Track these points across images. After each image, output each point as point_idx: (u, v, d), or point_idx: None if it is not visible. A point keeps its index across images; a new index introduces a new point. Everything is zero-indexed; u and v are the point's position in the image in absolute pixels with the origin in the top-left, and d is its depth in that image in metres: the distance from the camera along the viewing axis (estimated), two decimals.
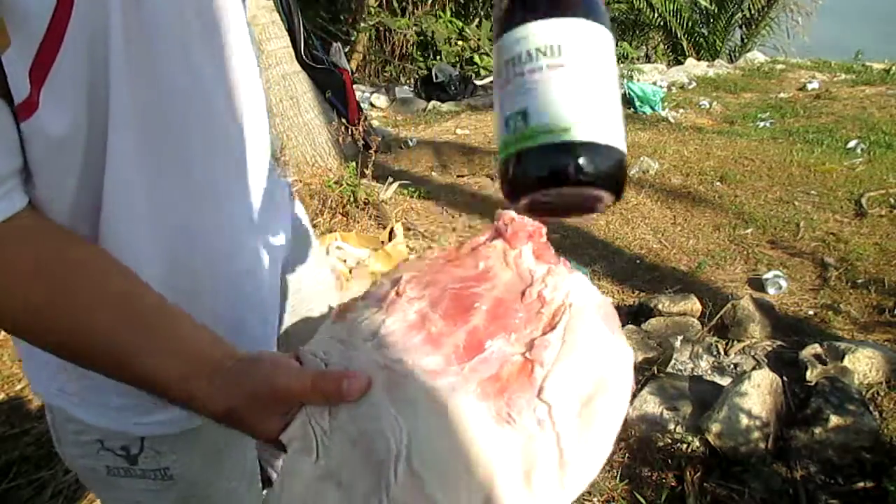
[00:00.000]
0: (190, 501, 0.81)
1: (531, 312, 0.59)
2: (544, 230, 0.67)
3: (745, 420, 1.71)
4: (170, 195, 0.63)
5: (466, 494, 0.49)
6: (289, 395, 0.54)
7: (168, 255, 0.64)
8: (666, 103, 6.04)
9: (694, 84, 6.92)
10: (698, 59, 8.37)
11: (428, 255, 0.68)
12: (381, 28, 8.26)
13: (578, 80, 0.43)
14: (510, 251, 0.65)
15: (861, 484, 1.58)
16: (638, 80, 6.43)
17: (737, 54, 9.19)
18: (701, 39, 9.21)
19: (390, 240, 2.55)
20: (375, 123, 5.44)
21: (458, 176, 4.22)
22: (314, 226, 1.82)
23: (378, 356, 0.55)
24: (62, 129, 0.54)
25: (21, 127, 0.53)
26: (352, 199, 3.37)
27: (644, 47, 10.05)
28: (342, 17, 8.40)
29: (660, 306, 2.42)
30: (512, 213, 0.66)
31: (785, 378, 1.88)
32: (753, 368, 1.96)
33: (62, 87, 0.53)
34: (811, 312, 2.60)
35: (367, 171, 3.60)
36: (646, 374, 2.00)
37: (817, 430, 1.69)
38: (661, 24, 9.16)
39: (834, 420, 1.69)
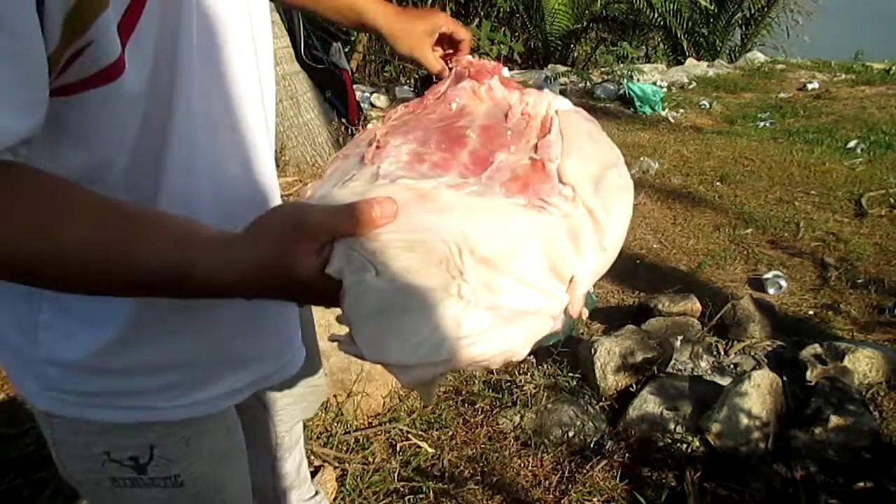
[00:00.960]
0: None
1: (519, 128, 0.63)
2: (503, 68, 0.72)
3: (745, 420, 1.71)
4: (224, 152, 0.67)
5: (529, 263, 0.53)
6: (321, 230, 0.52)
7: (222, 209, 0.66)
8: (666, 103, 6.04)
9: (694, 84, 6.93)
10: (698, 59, 8.37)
11: (390, 115, 0.69)
12: None
13: None
14: (479, 87, 0.69)
15: (861, 484, 1.58)
16: (638, 80, 6.43)
17: (737, 54, 9.19)
18: (701, 39, 9.20)
19: None
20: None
21: None
22: None
23: (393, 187, 0.56)
24: (138, 86, 0.55)
25: (102, 90, 0.53)
26: None
27: (644, 47, 10.05)
28: None
29: (660, 306, 2.42)
30: (468, 58, 0.72)
31: (785, 378, 1.88)
32: (753, 368, 1.96)
33: (141, 46, 0.54)
34: (811, 312, 2.60)
35: None
36: (646, 374, 2.00)
37: (817, 430, 1.69)
38: (661, 24, 9.15)
39: (834, 420, 1.69)
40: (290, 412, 1.09)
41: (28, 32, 0.44)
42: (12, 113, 0.46)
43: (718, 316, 2.29)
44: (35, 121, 0.48)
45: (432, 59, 0.92)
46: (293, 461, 1.21)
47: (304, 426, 1.26)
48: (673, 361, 2.09)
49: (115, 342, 0.68)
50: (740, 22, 9.40)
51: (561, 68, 7.41)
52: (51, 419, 0.75)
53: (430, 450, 1.85)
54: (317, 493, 1.33)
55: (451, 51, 0.94)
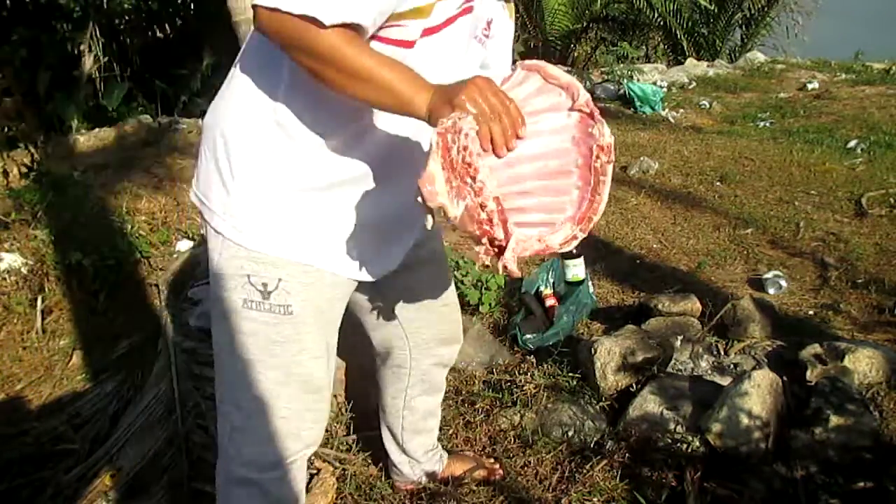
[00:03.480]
0: (291, 340, 1.12)
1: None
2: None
3: (745, 420, 1.71)
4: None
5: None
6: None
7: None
8: (666, 103, 6.04)
9: (694, 84, 6.92)
10: (698, 59, 8.36)
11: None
12: None
13: None
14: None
15: (861, 484, 1.58)
16: (638, 80, 6.42)
17: (737, 54, 9.18)
18: (701, 39, 9.20)
19: None
20: None
21: None
22: None
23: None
24: (411, 61, 0.98)
25: (392, 48, 0.99)
26: None
27: (644, 47, 10.04)
28: None
29: (660, 306, 2.41)
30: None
31: (785, 378, 1.88)
32: (753, 368, 1.96)
33: (423, 45, 1.01)
34: (811, 312, 2.60)
35: None
36: (646, 374, 2.00)
37: (817, 430, 1.69)
38: (661, 24, 9.15)
39: (834, 420, 1.69)
40: (425, 338, 1.44)
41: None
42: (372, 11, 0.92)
43: (718, 316, 2.28)
44: (371, 28, 0.94)
45: None
46: (425, 402, 1.55)
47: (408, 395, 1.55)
48: (673, 361, 2.09)
49: (305, 197, 1.08)
50: (740, 22, 9.39)
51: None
52: (223, 243, 1.09)
53: None
54: (435, 448, 1.67)
55: None
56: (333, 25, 0.88)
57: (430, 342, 1.45)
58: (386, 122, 1.08)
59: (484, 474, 1.71)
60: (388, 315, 1.40)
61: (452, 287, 1.48)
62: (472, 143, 0.84)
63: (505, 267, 0.91)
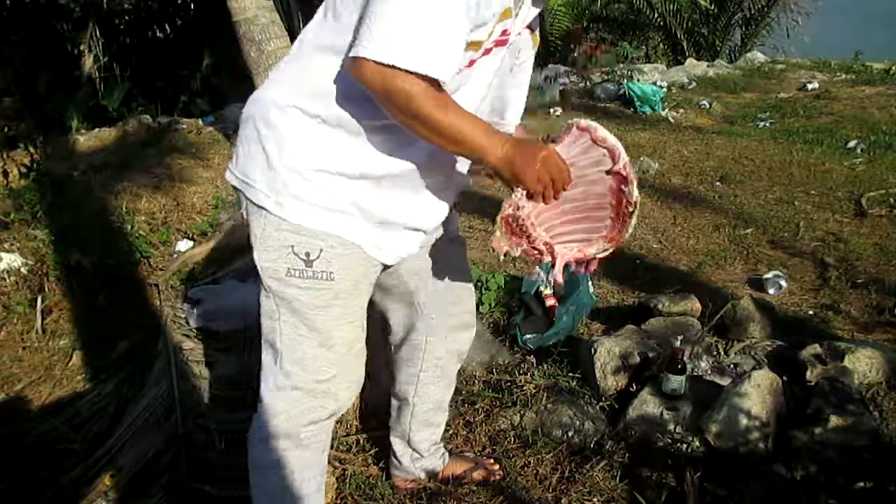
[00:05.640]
0: (331, 304, 1.23)
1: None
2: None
3: (744, 420, 1.71)
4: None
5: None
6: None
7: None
8: (666, 103, 6.04)
9: (694, 84, 6.93)
10: (698, 59, 8.36)
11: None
12: None
13: None
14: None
15: (861, 484, 1.58)
16: (638, 80, 6.43)
17: (737, 54, 9.19)
18: (701, 39, 9.21)
19: None
20: None
21: None
22: None
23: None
24: (463, 84, 1.17)
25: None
26: None
27: (644, 47, 10.04)
28: None
29: (660, 306, 2.41)
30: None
31: (785, 378, 1.88)
32: (753, 368, 1.96)
33: (470, 72, 1.15)
34: (811, 312, 2.60)
35: None
36: (646, 374, 2.00)
37: (817, 430, 1.69)
38: (661, 24, 9.16)
39: (834, 420, 1.69)
40: (442, 321, 1.50)
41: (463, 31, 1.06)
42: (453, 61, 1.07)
43: (718, 316, 2.28)
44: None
45: None
46: (436, 393, 1.61)
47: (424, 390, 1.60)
48: None
49: (344, 182, 1.18)
50: (740, 22, 9.40)
51: (562, 68, 7.41)
52: (266, 217, 1.19)
53: None
54: (438, 444, 1.72)
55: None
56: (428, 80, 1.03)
57: (445, 326, 1.51)
58: None
59: (484, 475, 1.72)
60: (407, 298, 1.48)
61: (469, 274, 1.57)
62: (527, 218, 1.19)
63: (555, 280, 1.25)
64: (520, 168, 1.12)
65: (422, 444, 1.66)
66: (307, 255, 1.19)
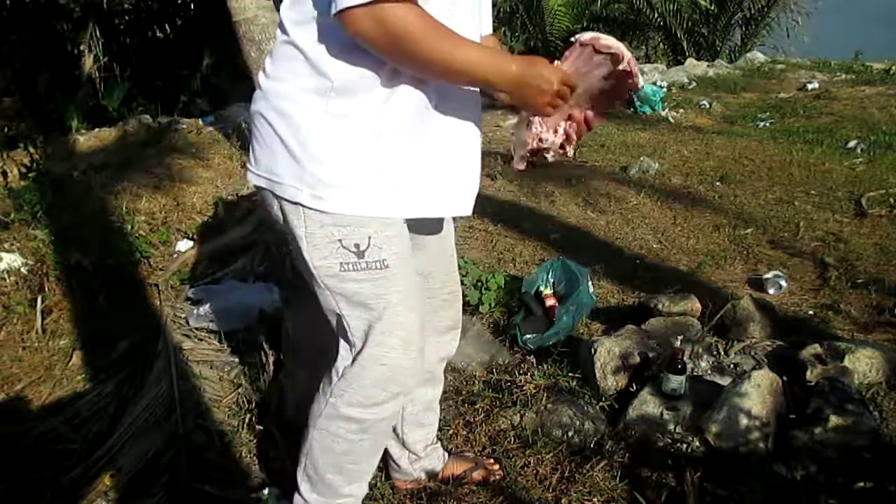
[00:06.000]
0: (391, 291, 1.22)
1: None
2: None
3: (745, 420, 1.71)
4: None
5: None
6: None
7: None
8: (666, 103, 6.04)
9: (694, 84, 6.93)
10: (698, 59, 8.36)
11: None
12: None
13: None
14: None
15: (861, 484, 1.58)
16: None
17: (737, 54, 9.19)
18: (701, 39, 9.21)
19: None
20: None
21: None
22: None
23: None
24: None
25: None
26: None
27: (644, 47, 10.05)
28: None
29: (660, 306, 2.41)
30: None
31: (785, 378, 1.88)
32: (753, 368, 1.96)
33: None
34: (811, 312, 2.60)
35: None
36: (646, 373, 2.00)
37: (817, 430, 1.69)
38: (661, 24, 9.16)
39: (834, 420, 1.69)
40: (430, 324, 1.45)
41: None
42: None
43: (718, 316, 2.28)
44: None
45: None
46: (425, 394, 1.60)
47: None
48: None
49: (379, 149, 1.14)
50: (740, 22, 9.40)
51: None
52: (305, 216, 1.16)
53: None
54: (434, 443, 1.72)
55: None
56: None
57: (434, 331, 1.50)
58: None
59: (483, 475, 1.72)
60: None
61: (457, 277, 1.55)
62: (546, 140, 1.25)
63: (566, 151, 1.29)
64: (529, 93, 1.12)
65: (417, 445, 1.66)
66: (357, 246, 1.17)
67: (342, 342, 1.31)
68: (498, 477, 1.72)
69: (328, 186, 1.14)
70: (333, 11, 1.01)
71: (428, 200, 1.24)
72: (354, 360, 1.28)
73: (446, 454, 1.74)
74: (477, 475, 1.72)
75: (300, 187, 1.15)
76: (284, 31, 1.17)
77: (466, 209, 1.30)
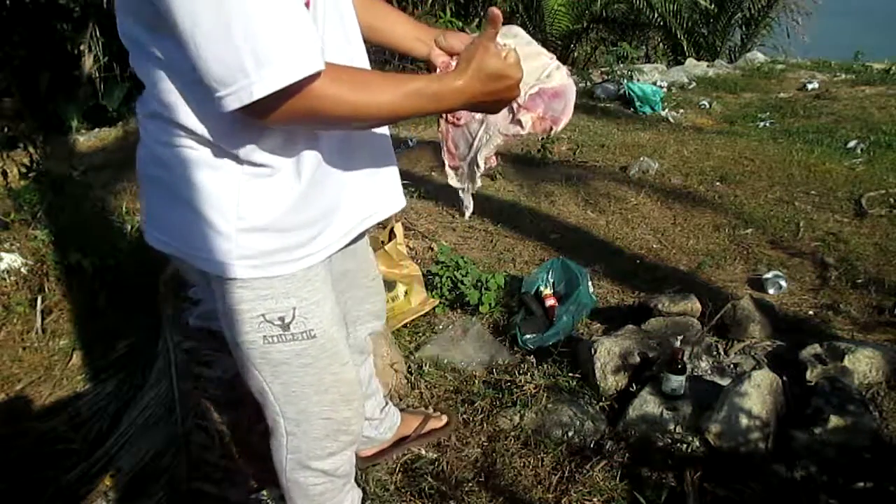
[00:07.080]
0: (319, 357, 1.17)
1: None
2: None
3: (745, 420, 1.71)
4: None
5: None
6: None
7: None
8: (666, 103, 6.03)
9: (694, 84, 6.92)
10: (698, 59, 8.35)
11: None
12: None
13: None
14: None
15: (861, 484, 1.58)
16: (638, 80, 6.42)
17: (737, 54, 9.18)
18: (701, 39, 9.20)
19: (390, 240, 2.54)
20: None
21: None
22: None
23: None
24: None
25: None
26: None
27: (644, 47, 10.03)
28: None
29: (660, 306, 2.41)
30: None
31: (785, 378, 1.88)
32: (753, 368, 1.96)
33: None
34: (811, 312, 2.60)
35: None
36: (646, 373, 2.00)
37: (817, 430, 1.69)
38: (661, 24, 9.15)
39: (834, 420, 1.69)
40: (360, 313, 1.50)
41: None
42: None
43: (718, 316, 2.28)
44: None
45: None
46: (365, 371, 1.63)
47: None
48: None
49: (297, 201, 1.03)
50: (740, 22, 9.39)
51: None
52: (226, 289, 1.06)
53: (429, 455, 1.85)
54: (387, 404, 1.79)
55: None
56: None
57: (362, 316, 1.55)
58: None
59: (438, 424, 1.89)
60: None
61: (374, 262, 1.58)
62: (471, 123, 1.22)
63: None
64: (503, 92, 1.03)
65: (374, 412, 1.75)
66: (281, 319, 1.09)
67: (266, 405, 1.25)
68: (452, 425, 1.92)
69: (247, 257, 1.03)
70: (229, 105, 0.84)
71: (352, 223, 1.16)
72: (294, 422, 1.26)
73: (398, 411, 1.86)
74: (434, 424, 1.89)
75: (221, 260, 1.02)
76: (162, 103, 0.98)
77: (397, 205, 1.25)
